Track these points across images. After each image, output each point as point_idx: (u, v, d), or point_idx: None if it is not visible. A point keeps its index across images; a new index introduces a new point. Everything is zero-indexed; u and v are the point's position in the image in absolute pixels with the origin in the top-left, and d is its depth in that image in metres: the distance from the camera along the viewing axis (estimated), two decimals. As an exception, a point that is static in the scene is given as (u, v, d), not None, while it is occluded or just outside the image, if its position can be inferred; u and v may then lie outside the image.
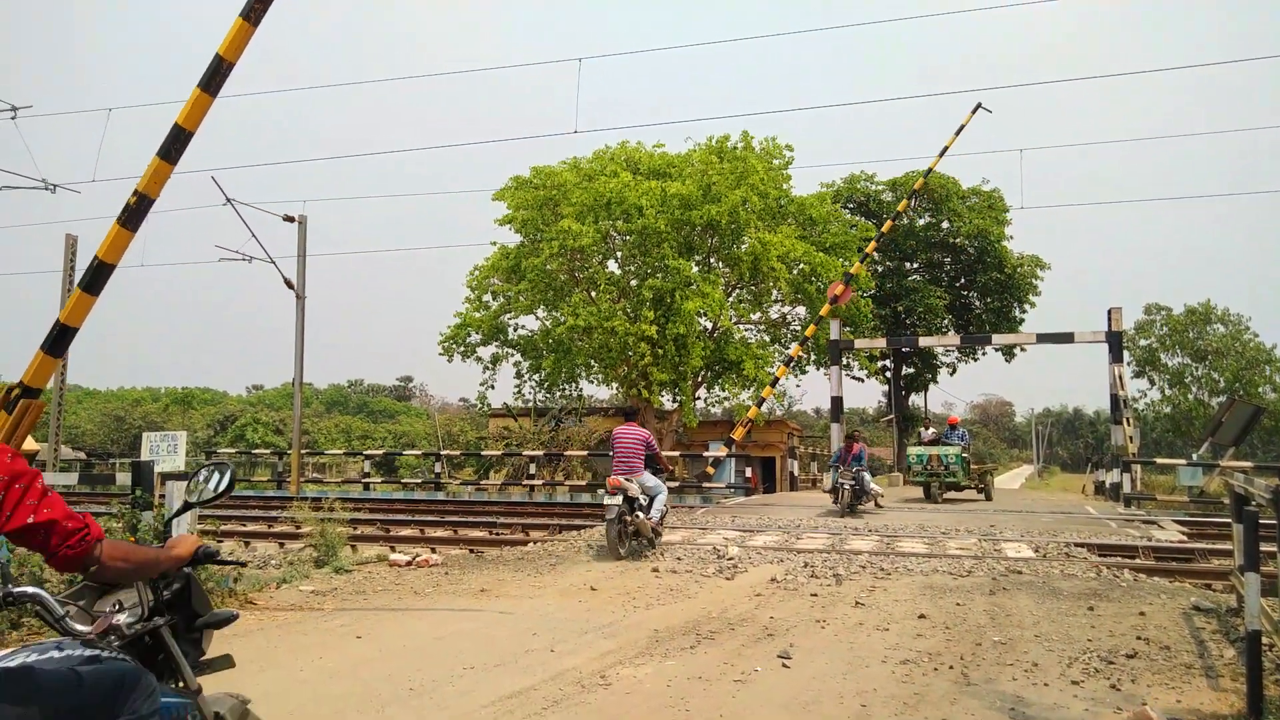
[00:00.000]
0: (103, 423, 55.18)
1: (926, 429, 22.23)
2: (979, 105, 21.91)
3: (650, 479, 10.67)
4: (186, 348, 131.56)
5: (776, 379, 22.36)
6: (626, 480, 10.33)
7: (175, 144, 8.82)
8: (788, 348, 31.31)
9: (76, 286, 8.86)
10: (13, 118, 14.78)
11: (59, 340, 8.65)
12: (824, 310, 22.46)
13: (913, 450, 19.40)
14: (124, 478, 8.27)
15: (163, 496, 7.76)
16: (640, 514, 10.34)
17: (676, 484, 24.39)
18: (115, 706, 1.92)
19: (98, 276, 8.77)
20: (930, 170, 22.62)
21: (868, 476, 15.50)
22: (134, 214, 8.75)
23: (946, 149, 22.12)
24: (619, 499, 10.16)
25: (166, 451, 8.71)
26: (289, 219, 24.94)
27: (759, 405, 22.17)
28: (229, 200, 22.53)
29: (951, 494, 19.51)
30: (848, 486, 14.83)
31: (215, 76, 8.90)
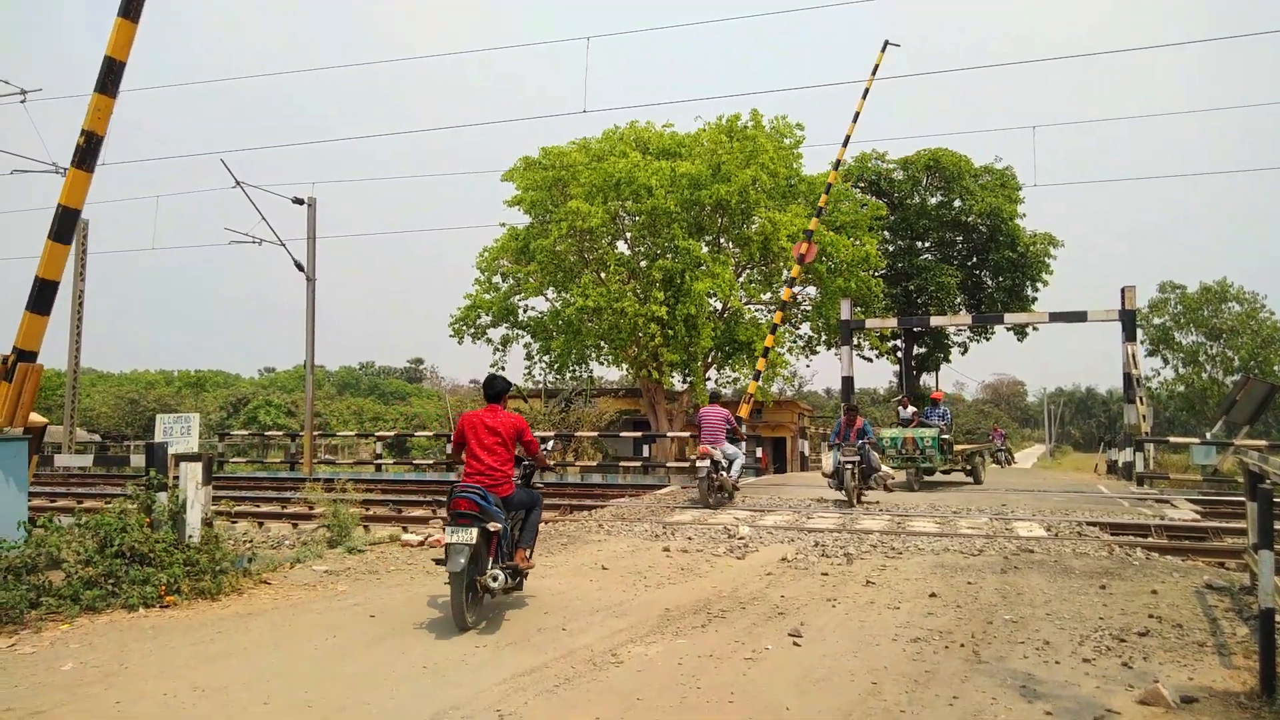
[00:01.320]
0: (117, 405, 55.55)
1: (905, 407, 20.19)
2: (887, 43, 21.19)
3: (730, 447, 13.40)
4: (199, 330, 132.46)
5: (767, 349, 22.09)
6: (713, 448, 13.07)
7: (109, 76, 9.02)
8: (799, 328, 31.25)
9: (47, 238, 8.85)
10: (22, 101, 14.77)
11: (41, 296, 8.68)
12: (794, 271, 22.10)
13: (885, 433, 17.40)
14: (139, 459, 8.34)
15: (176, 478, 7.81)
16: (723, 473, 13.19)
17: (688, 464, 24.46)
18: (539, 499, 6.95)
19: (64, 224, 8.84)
20: (858, 114, 21.44)
21: (874, 455, 13.71)
22: (85, 154, 8.91)
23: (867, 90, 21.29)
24: (708, 462, 12.99)
25: (180, 433, 8.73)
26: (298, 201, 24.95)
27: (756, 379, 22.04)
28: (238, 183, 22.58)
29: (939, 477, 18.13)
30: (851, 467, 12.98)
31: (130, 2, 9.07)
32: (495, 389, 6.71)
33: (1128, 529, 11.26)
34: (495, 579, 6.04)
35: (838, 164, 22.70)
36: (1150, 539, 10.54)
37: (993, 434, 32.35)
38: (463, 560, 5.82)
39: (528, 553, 6.73)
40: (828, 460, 13.74)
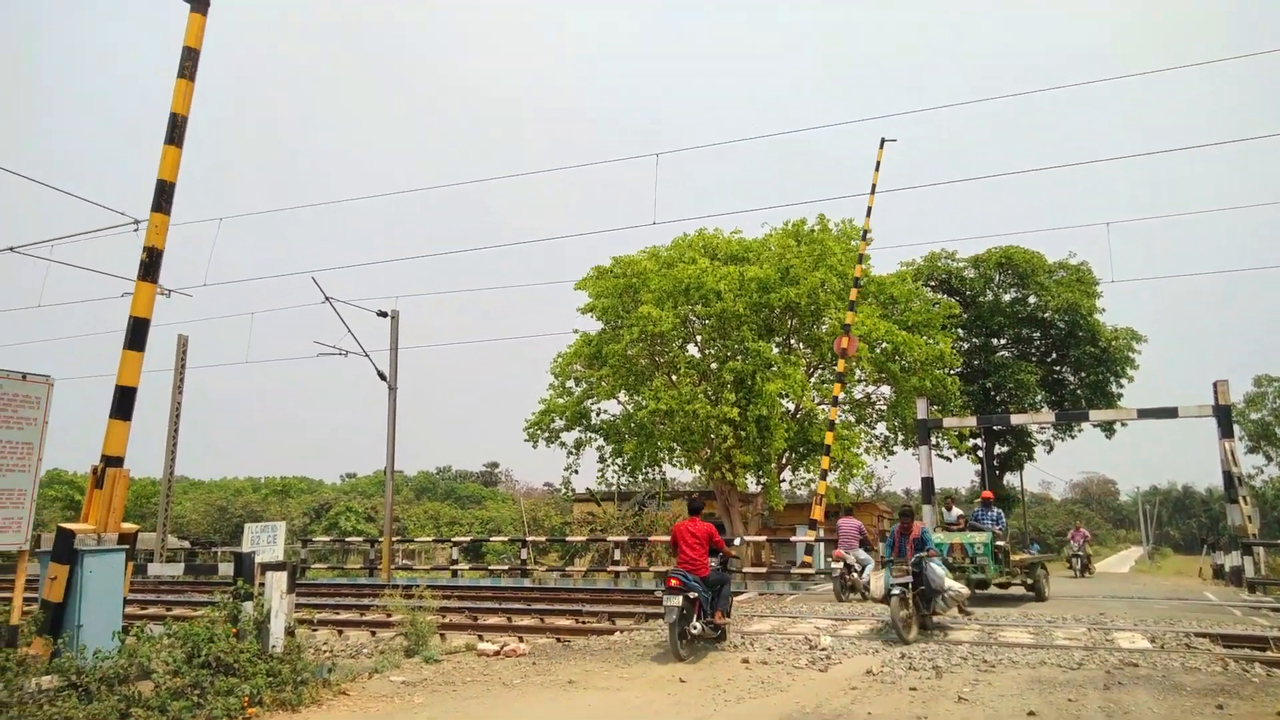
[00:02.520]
0: (206, 512, 57.34)
1: (950, 509, 17.41)
2: (884, 140, 21.84)
3: (862, 554, 15.73)
4: (286, 438, 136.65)
5: (828, 447, 21.70)
6: (847, 552, 15.60)
7: (162, 195, 9.59)
8: (874, 428, 30.73)
9: (123, 348, 9.32)
10: (135, 230, 15.93)
11: (121, 403, 9.11)
12: (840, 366, 22.03)
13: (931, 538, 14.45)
14: (226, 568, 8.59)
15: (262, 585, 8.00)
16: (854, 575, 15.43)
17: (765, 569, 23.87)
18: (729, 579, 10.35)
19: (136, 333, 9.33)
20: (870, 209, 22.17)
21: (939, 569, 10.96)
22: (149, 268, 9.48)
23: (875, 187, 21.90)
24: (842, 564, 15.40)
25: (266, 542, 9.02)
26: (382, 314, 26.01)
27: (823, 477, 21.60)
28: (327, 299, 23.71)
29: (994, 591, 15.60)
30: (901, 592, 10.38)
31: (174, 130, 9.67)
32: (696, 506, 10.37)
33: (1243, 641, 10.46)
34: (695, 628, 9.43)
35: (861, 258, 23.12)
36: (1270, 653, 9.76)
37: (1073, 535, 29.70)
38: (674, 616, 9.25)
39: (724, 614, 9.94)
40: (878, 582, 10.80)
